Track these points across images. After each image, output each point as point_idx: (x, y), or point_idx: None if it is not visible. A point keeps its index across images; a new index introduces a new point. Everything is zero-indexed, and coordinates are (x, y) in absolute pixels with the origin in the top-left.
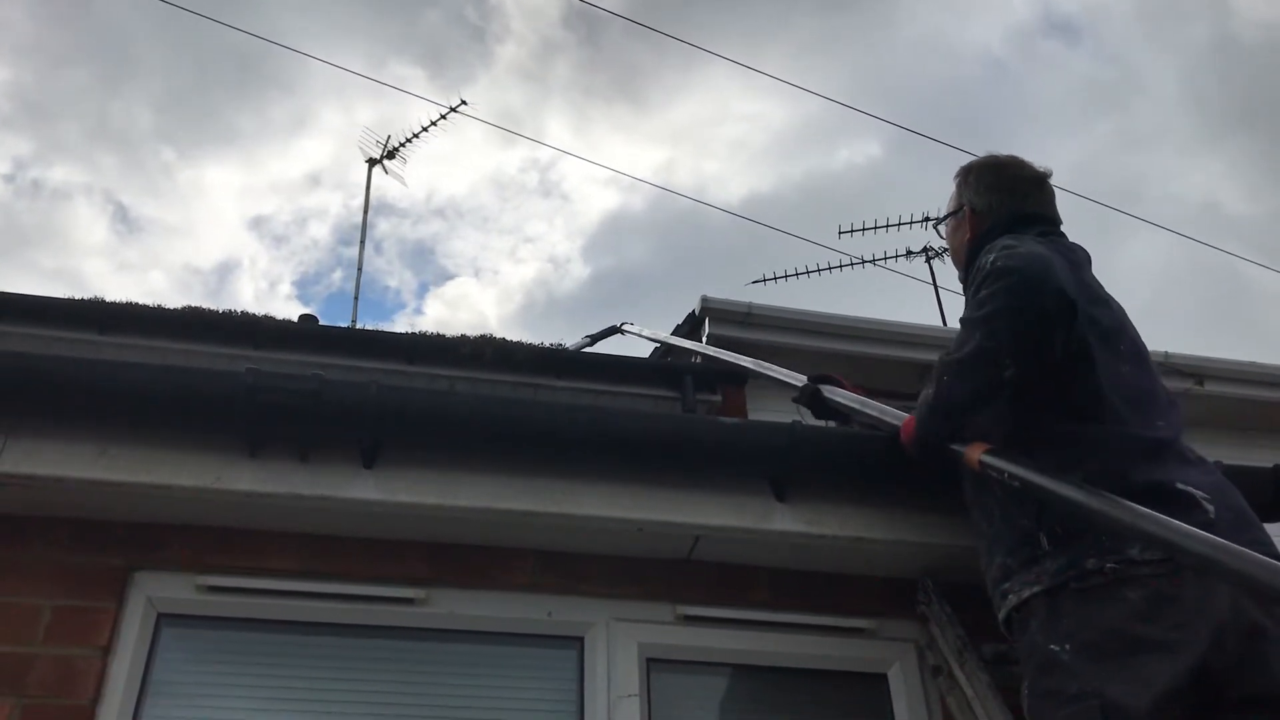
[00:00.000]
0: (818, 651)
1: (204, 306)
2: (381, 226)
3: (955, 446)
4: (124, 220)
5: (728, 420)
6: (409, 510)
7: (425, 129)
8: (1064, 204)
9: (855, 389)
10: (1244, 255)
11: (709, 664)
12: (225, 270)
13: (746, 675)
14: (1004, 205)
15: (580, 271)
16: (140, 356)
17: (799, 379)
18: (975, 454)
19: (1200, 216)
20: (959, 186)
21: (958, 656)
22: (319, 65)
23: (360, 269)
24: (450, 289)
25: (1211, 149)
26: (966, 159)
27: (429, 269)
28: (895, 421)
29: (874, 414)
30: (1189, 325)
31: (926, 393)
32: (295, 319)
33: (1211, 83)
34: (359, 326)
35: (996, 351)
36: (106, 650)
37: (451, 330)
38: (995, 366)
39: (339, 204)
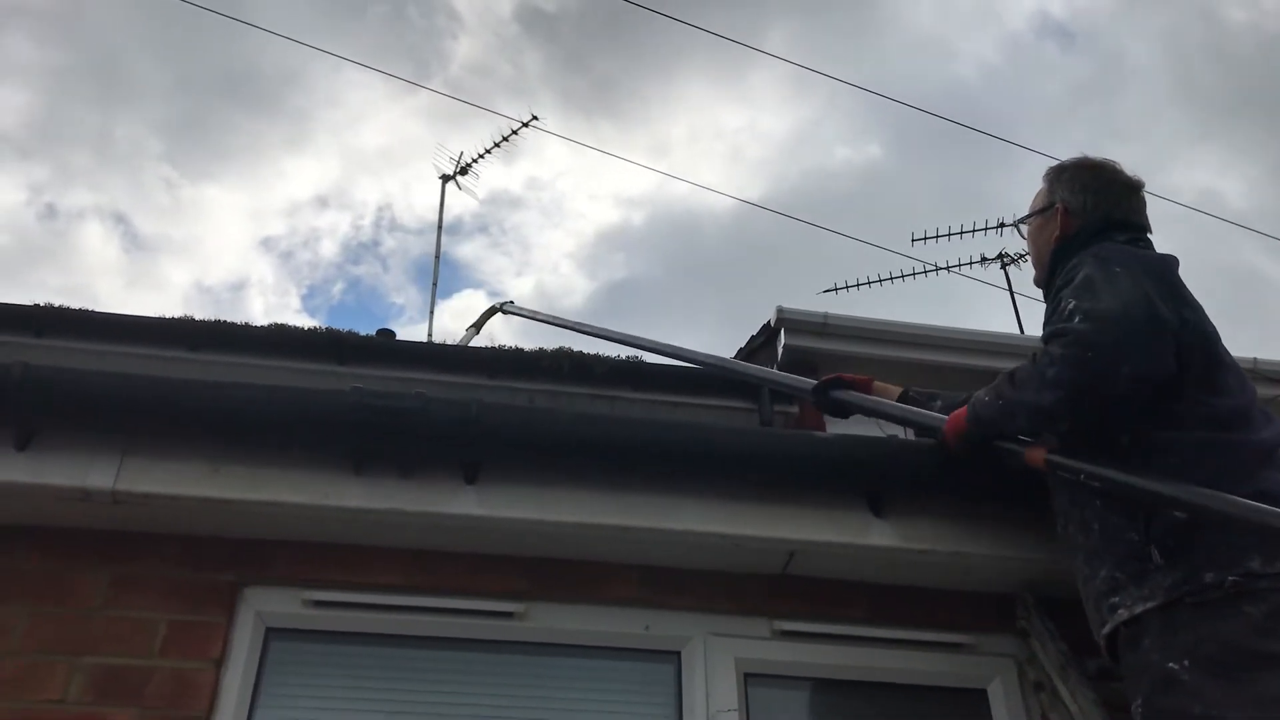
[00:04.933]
0: (916, 667)
1: (289, 324)
2: (388, 243)
3: (1009, 446)
4: (133, 239)
5: (824, 435)
6: (509, 525)
7: (497, 144)
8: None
9: (867, 384)
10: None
11: (807, 679)
12: (235, 286)
13: (845, 691)
14: (1098, 207)
15: (583, 284)
16: (228, 373)
17: (806, 383)
18: (1039, 455)
19: (1198, 211)
20: (1051, 184)
21: (1060, 672)
22: (316, 85)
23: (435, 283)
24: (457, 302)
25: (1206, 140)
26: (974, 147)
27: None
28: (934, 423)
29: (899, 413)
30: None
31: (984, 398)
32: (374, 334)
33: (1200, 66)
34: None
35: (1057, 416)
36: (219, 663)
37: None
38: (1053, 423)
39: (345, 222)
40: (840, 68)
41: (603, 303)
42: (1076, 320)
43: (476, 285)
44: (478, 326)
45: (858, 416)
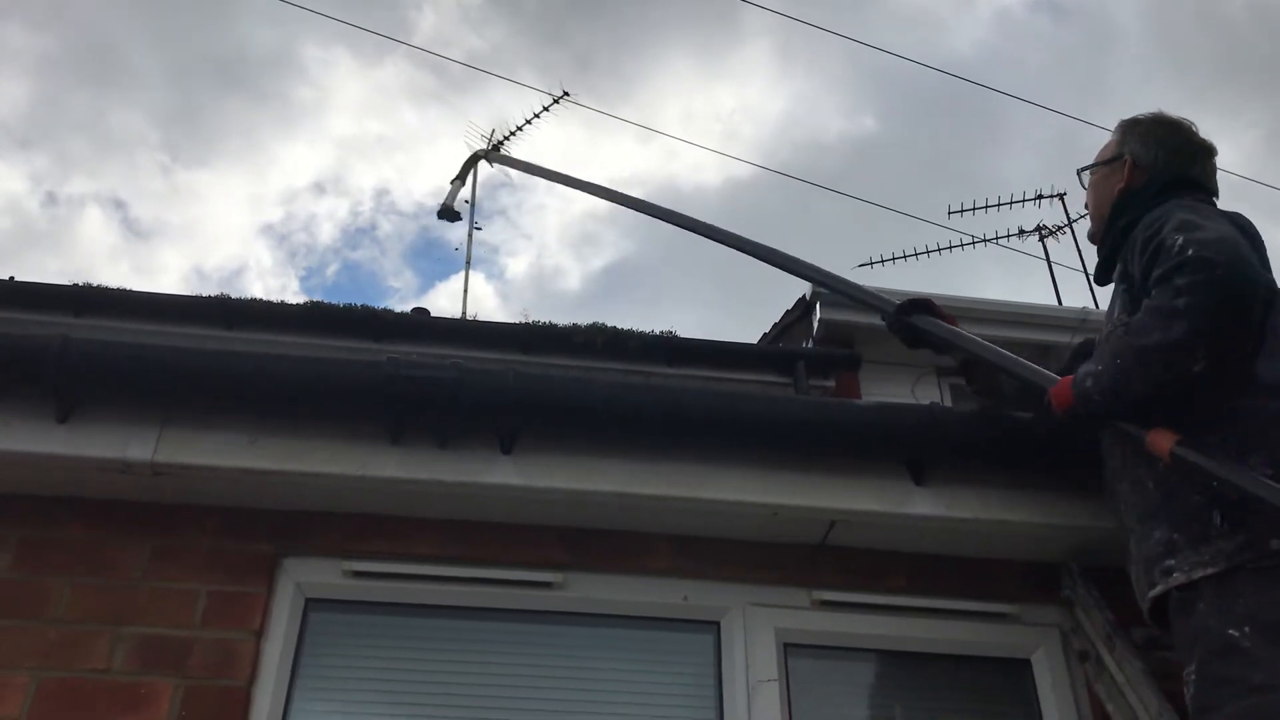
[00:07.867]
0: (958, 637)
1: (325, 301)
2: (384, 227)
3: (1131, 428)
4: (132, 225)
5: (863, 403)
6: (546, 495)
7: (529, 121)
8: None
9: (952, 321)
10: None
11: (847, 649)
12: (234, 271)
13: (886, 661)
14: (1170, 165)
15: (578, 265)
16: (265, 350)
17: (890, 304)
18: (1165, 443)
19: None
20: (1123, 135)
21: (1106, 641)
22: (305, 68)
23: (468, 263)
24: (455, 284)
25: (1198, 107)
26: (965, 121)
27: (432, 266)
28: (1040, 380)
29: (998, 358)
30: None
31: (1094, 368)
32: (409, 311)
33: (1190, 32)
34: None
35: (1193, 348)
36: (259, 634)
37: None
38: (1189, 361)
39: (335, 205)
40: (828, 43)
41: (599, 283)
42: (1191, 251)
43: (471, 266)
44: (462, 178)
45: (891, 390)
